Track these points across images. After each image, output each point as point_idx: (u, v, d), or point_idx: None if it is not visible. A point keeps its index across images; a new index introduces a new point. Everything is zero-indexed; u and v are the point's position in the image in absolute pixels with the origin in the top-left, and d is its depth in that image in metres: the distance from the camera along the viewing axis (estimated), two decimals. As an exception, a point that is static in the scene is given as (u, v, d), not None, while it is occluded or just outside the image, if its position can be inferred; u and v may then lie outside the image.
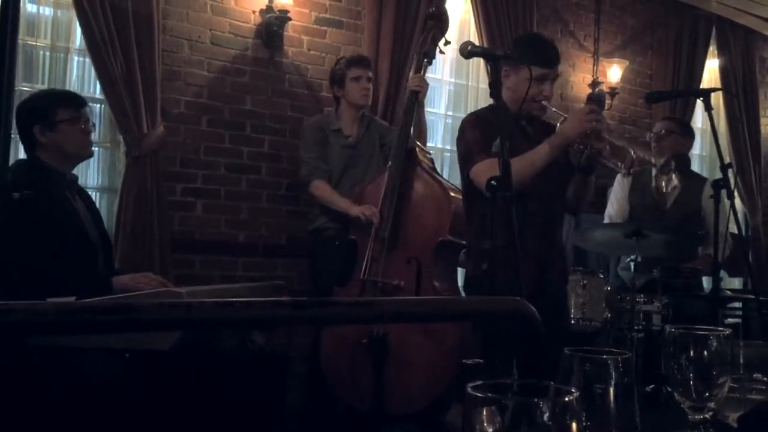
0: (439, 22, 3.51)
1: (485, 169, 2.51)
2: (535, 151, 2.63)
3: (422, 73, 3.55)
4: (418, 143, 3.62)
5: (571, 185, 2.82)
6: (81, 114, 2.57)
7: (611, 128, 5.62)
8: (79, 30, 3.73)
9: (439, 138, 5.02)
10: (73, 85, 3.86)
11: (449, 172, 5.00)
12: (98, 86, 3.78)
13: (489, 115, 2.75)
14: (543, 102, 2.75)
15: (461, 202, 3.26)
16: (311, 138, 3.76)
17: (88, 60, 3.78)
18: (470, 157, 2.71)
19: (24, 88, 3.71)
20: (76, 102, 2.60)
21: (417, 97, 3.54)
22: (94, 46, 3.66)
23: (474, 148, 2.70)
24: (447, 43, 3.59)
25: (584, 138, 2.59)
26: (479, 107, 5.04)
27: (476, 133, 2.72)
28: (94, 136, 2.91)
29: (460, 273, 4.60)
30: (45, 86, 3.76)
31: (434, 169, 3.56)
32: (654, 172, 4.06)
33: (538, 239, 2.72)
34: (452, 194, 3.28)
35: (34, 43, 3.75)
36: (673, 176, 2.70)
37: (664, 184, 4.06)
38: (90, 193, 2.99)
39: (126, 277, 2.53)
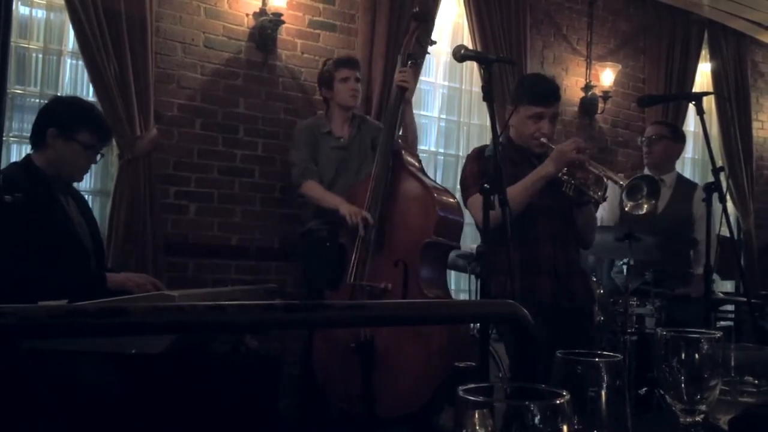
0: (423, 23, 3.47)
1: (477, 204, 2.63)
2: (527, 179, 2.78)
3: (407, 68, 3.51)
4: (405, 144, 3.59)
5: (574, 216, 2.89)
6: (99, 146, 2.57)
7: (594, 156, 5.65)
8: (72, 32, 3.72)
9: (433, 141, 5.03)
10: (66, 88, 3.86)
11: (442, 174, 5.01)
12: (91, 89, 3.77)
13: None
14: (542, 139, 2.85)
15: (448, 203, 3.27)
16: (302, 140, 3.74)
17: (81, 62, 3.77)
18: (467, 188, 2.90)
19: (17, 90, 3.71)
20: (103, 135, 2.59)
21: (404, 95, 3.49)
22: (87, 49, 3.65)
23: (470, 182, 2.86)
24: (432, 43, 3.57)
25: (569, 168, 2.74)
26: (472, 110, 5.11)
27: (474, 167, 2.89)
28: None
29: (457, 275, 4.63)
30: (37, 89, 3.76)
31: (422, 170, 3.53)
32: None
33: (553, 253, 2.82)
34: (437, 195, 3.26)
35: (26, 46, 3.74)
36: (645, 205, 2.71)
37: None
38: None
39: (120, 276, 2.52)
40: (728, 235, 3.08)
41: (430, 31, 3.47)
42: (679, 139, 4.20)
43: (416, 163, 3.46)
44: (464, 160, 3.02)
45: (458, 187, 3.11)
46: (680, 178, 4.22)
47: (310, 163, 3.68)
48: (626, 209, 2.75)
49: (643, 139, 4.20)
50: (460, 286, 4.73)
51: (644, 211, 2.72)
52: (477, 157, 2.92)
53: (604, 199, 2.79)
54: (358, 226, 3.27)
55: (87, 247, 2.54)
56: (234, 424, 2.36)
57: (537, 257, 2.82)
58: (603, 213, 4.19)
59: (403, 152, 3.39)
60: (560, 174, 2.75)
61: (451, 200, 3.34)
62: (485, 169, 2.71)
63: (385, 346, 3.07)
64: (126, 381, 2.14)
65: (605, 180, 2.72)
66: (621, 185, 2.68)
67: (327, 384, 3.30)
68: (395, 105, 3.46)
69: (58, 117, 2.50)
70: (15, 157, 3.54)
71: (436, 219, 3.17)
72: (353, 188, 3.52)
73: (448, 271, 3.72)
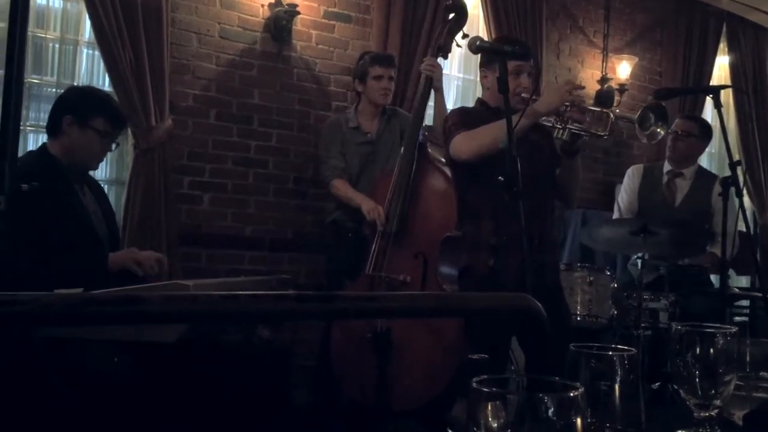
0: (457, 15, 3.44)
1: (461, 139, 2.71)
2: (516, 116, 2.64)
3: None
4: (432, 137, 3.57)
5: (558, 172, 2.84)
6: (114, 134, 2.58)
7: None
8: (88, 22, 3.74)
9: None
10: (82, 77, 3.88)
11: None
12: (107, 79, 3.79)
13: (470, 109, 3.01)
14: (523, 95, 2.78)
15: None
16: (330, 137, 3.77)
17: (97, 52, 3.79)
18: (450, 135, 2.85)
19: (33, 80, 3.73)
20: (118, 122, 2.60)
21: (432, 84, 3.47)
22: (103, 39, 3.66)
23: (452, 129, 2.83)
24: (465, 36, 3.54)
25: (563, 110, 2.62)
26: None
27: (455, 119, 2.87)
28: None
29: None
30: (54, 79, 3.78)
31: (448, 164, 3.51)
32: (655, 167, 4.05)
33: (530, 227, 2.72)
34: None
35: (43, 36, 3.76)
36: (658, 130, 2.64)
37: (676, 182, 4.04)
38: (97, 185, 2.99)
39: (121, 253, 2.53)
40: (744, 229, 3.05)
41: (462, 24, 3.43)
42: (707, 137, 4.11)
43: (441, 158, 3.45)
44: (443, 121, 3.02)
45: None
46: (700, 170, 4.16)
47: (337, 161, 3.72)
48: (643, 141, 2.71)
49: (670, 131, 4.12)
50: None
51: (658, 137, 2.66)
52: (455, 111, 2.96)
53: (610, 134, 2.68)
54: (375, 221, 3.30)
55: (101, 236, 2.55)
56: (245, 414, 2.38)
57: (512, 233, 2.72)
58: (620, 202, 4.15)
59: (428, 145, 3.38)
60: (553, 120, 2.64)
61: None
62: (466, 119, 2.77)
63: (401, 337, 3.07)
64: (138, 369, 2.15)
65: (611, 116, 2.65)
66: (633, 120, 2.62)
67: (343, 374, 3.31)
68: (423, 96, 3.45)
69: (74, 104, 2.52)
70: (32, 146, 3.57)
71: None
72: (377, 181, 3.53)
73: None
